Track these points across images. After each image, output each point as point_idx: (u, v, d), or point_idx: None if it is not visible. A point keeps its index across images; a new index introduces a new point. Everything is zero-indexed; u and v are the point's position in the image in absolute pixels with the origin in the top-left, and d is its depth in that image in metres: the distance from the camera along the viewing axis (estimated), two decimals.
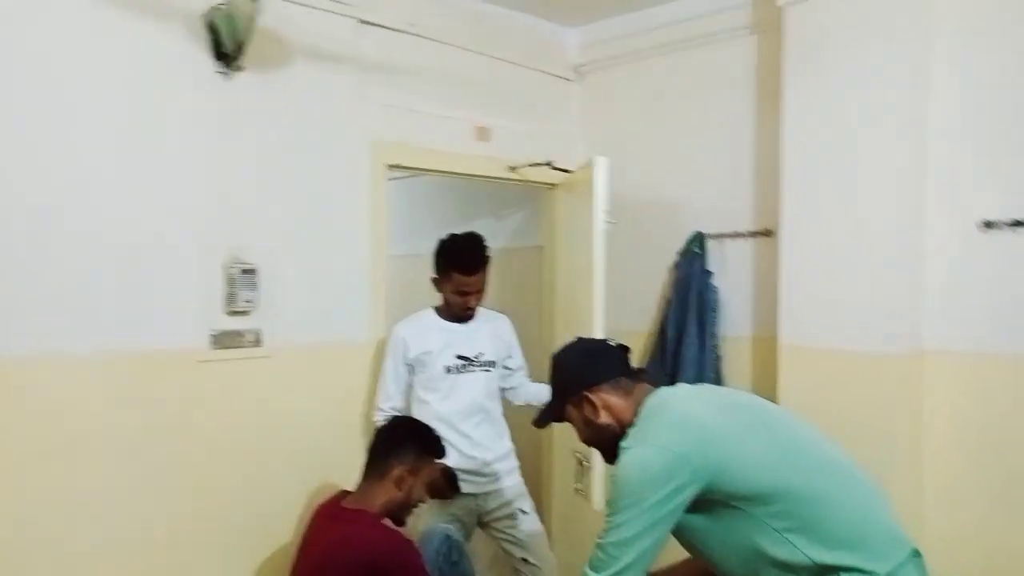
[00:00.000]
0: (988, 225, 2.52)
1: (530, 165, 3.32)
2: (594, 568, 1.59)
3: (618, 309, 3.38)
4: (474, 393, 2.75)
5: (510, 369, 2.91)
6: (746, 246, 3.06)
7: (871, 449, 2.27)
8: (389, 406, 2.74)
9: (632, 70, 3.46)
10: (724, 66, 3.15)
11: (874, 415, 2.55)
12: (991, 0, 2.55)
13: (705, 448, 1.58)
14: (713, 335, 3.02)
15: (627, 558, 1.55)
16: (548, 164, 3.29)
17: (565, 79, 3.64)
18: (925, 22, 2.61)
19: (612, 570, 1.56)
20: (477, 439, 2.73)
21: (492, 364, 2.80)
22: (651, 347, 3.24)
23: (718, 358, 3.03)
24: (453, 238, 2.73)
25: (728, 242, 3.10)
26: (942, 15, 2.60)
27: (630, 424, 1.71)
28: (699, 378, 2.93)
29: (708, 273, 3.09)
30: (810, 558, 1.54)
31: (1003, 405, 2.49)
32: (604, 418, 1.74)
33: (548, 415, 1.85)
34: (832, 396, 2.61)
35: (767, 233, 2.97)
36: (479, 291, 2.72)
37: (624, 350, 1.84)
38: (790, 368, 2.73)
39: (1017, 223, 2.46)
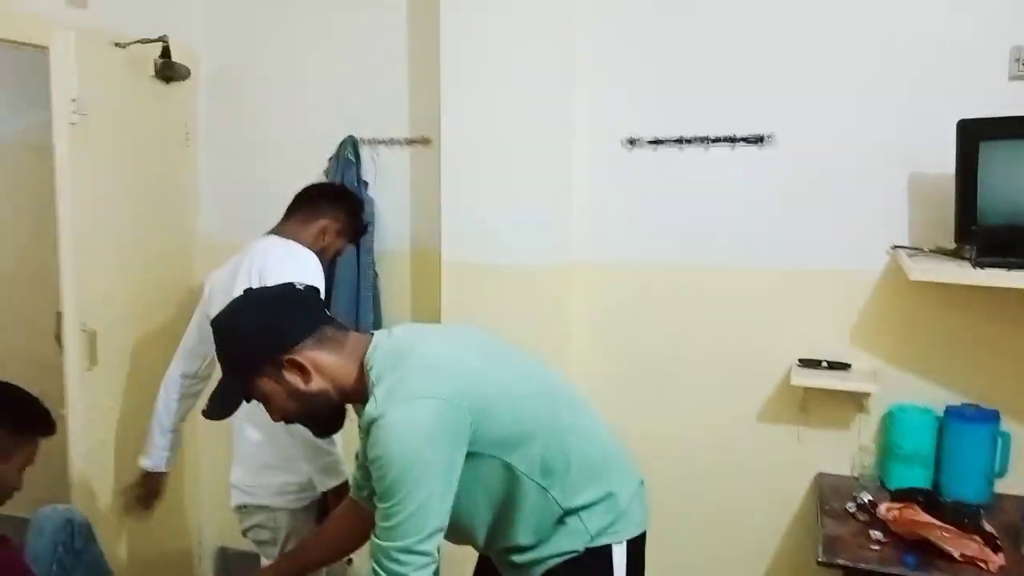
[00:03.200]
0: (631, 143, 2.63)
1: (140, 42, 2.70)
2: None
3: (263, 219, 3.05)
4: None
5: None
6: (403, 154, 2.86)
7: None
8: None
9: None
10: None
11: (529, 327, 2.59)
12: None
13: (472, 389, 1.37)
14: (369, 251, 2.81)
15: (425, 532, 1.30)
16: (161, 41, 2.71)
17: None
18: None
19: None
20: None
21: None
22: None
23: (375, 276, 2.84)
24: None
25: (384, 149, 2.87)
26: None
27: (354, 386, 1.41)
28: (355, 300, 2.74)
29: (363, 183, 2.84)
30: (559, 504, 1.47)
31: (638, 309, 2.68)
32: (317, 383, 1.40)
33: (232, 398, 1.43)
34: (492, 311, 2.59)
35: (425, 141, 2.79)
36: None
37: (312, 294, 1.48)
38: (452, 284, 2.64)
39: (656, 141, 2.60)
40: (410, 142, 2.84)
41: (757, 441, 2.56)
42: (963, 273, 2.02)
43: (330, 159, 2.87)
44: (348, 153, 2.82)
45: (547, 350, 2.58)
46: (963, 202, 2.10)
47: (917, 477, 2.28)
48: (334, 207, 2.25)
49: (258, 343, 1.39)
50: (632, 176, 2.63)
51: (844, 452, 2.45)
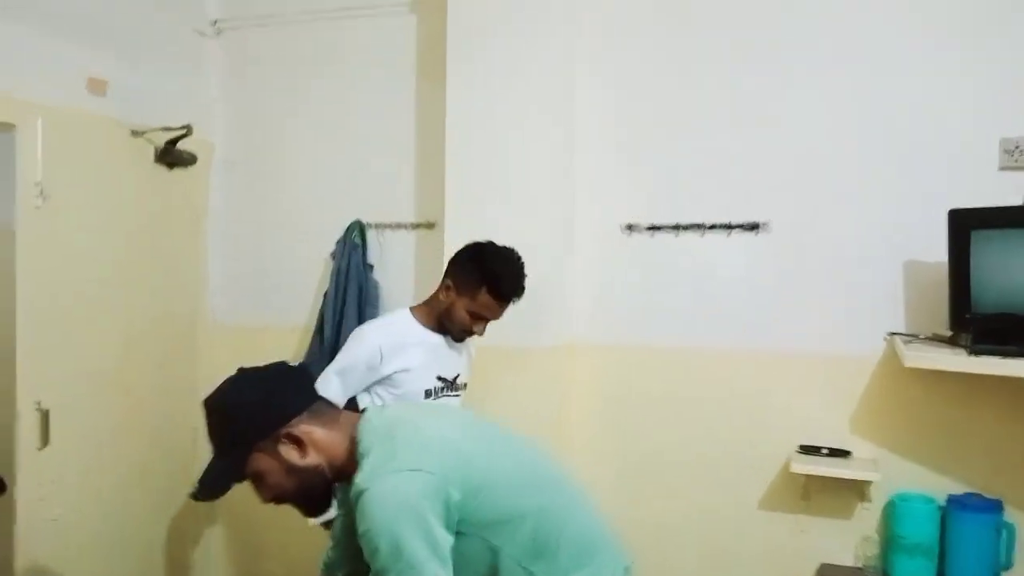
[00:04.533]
0: (629, 228, 2.69)
1: (163, 130, 2.81)
2: None
3: (270, 301, 3.11)
4: None
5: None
6: (408, 238, 2.93)
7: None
8: None
9: (281, 34, 3.10)
10: (386, 44, 2.95)
11: (530, 408, 2.58)
12: (629, 8, 2.68)
13: (461, 469, 1.36)
14: None
15: None
16: (185, 131, 2.81)
17: (201, 33, 3.14)
18: (574, 20, 2.67)
19: None
20: None
21: (462, 389, 2.32)
22: (308, 344, 2.96)
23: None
24: (500, 251, 2.16)
25: (390, 233, 2.94)
26: (589, 10, 2.68)
27: (344, 461, 1.40)
28: None
29: (368, 266, 2.90)
30: None
31: (637, 392, 2.68)
32: (312, 457, 1.39)
33: (226, 477, 1.40)
34: (493, 392, 2.58)
35: (430, 225, 2.86)
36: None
37: (305, 371, 1.52)
38: None
39: (654, 227, 2.66)
40: (415, 226, 2.90)
41: (758, 529, 2.52)
42: (958, 361, 2.03)
43: (337, 242, 2.93)
44: (355, 236, 2.88)
45: (548, 432, 2.59)
46: (956, 290, 2.12)
47: (921, 568, 2.23)
48: (455, 264, 2.19)
49: (258, 418, 1.38)
50: (630, 261, 2.68)
51: (847, 542, 2.41)
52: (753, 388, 2.54)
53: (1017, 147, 2.29)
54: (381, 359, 2.13)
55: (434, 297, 2.20)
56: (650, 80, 2.68)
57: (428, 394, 2.19)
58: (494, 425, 1.60)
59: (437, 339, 2.21)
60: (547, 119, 2.64)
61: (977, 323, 2.07)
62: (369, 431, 1.41)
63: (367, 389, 2.17)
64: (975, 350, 2.04)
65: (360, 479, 1.33)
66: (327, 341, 2.82)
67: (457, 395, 2.29)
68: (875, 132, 2.42)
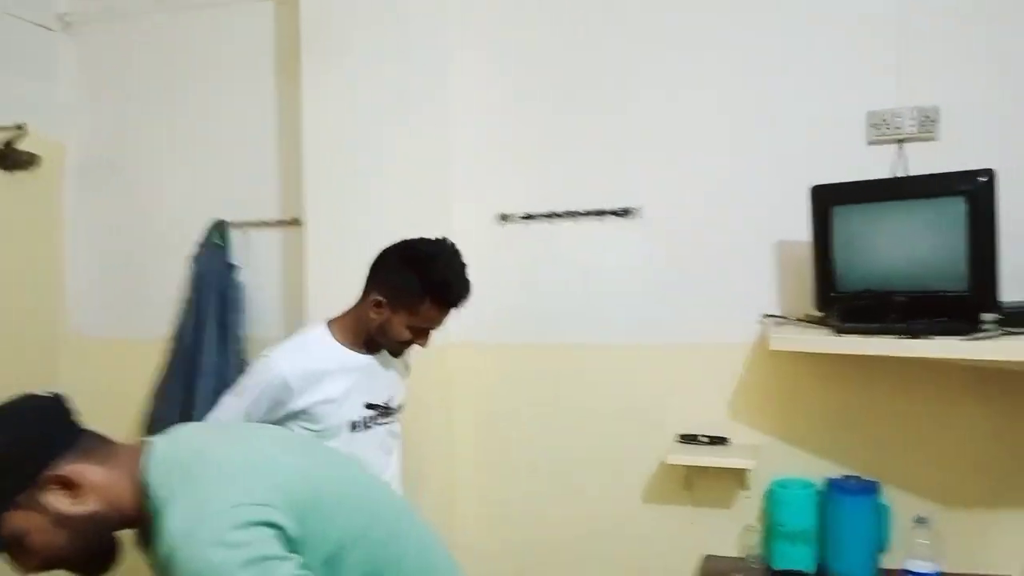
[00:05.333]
0: (504, 218, 2.58)
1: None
2: None
3: (136, 311, 2.93)
4: (380, 460, 1.90)
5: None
6: (274, 236, 2.76)
7: (413, 440, 2.19)
8: None
9: (135, 28, 2.93)
10: (242, 35, 2.80)
11: (413, 410, 2.47)
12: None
13: (288, 486, 1.16)
14: (237, 338, 2.68)
15: None
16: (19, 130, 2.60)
17: (47, 28, 2.92)
18: (442, 8, 2.57)
19: None
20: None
21: (397, 412, 2.00)
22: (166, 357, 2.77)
23: (243, 363, 2.69)
24: (434, 249, 1.83)
25: (254, 232, 2.77)
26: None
27: (130, 504, 1.15)
28: (220, 388, 2.57)
29: (231, 267, 2.73)
30: None
31: (515, 386, 2.59)
32: (88, 502, 1.13)
33: None
34: None
35: (295, 222, 2.70)
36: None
37: (60, 400, 1.22)
38: None
39: (528, 216, 2.56)
40: (280, 224, 2.74)
41: (644, 523, 2.44)
42: (821, 342, 1.98)
43: (198, 244, 2.75)
44: (215, 237, 2.71)
45: (428, 435, 2.47)
46: (821, 269, 2.07)
47: (802, 555, 2.18)
48: (382, 272, 1.86)
49: (10, 464, 1.12)
50: (506, 250, 2.58)
51: (731, 531, 2.34)
52: (634, 379, 2.45)
53: (884, 120, 2.25)
54: (292, 393, 1.79)
55: (358, 312, 1.87)
56: (520, 67, 2.59)
57: (355, 427, 1.86)
58: (302, 437, 1.46)
59: (363, 360, 1.88)
60: (413, 109, 2.50)
61: (843, 301, 2.02)
62: (160, 470, 1.16)
63: (277, 422, 1.81)
64: (841, 329, 1.99)
65: (166, 536, 1.08)
66: (186, 350, 2.64)
67: (390, 421, 1.96)
68: (743, 112, 2.37)
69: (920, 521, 2.03)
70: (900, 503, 2.19)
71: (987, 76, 2.18)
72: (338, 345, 1.86)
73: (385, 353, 1.91)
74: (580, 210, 2.49)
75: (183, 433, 1.28)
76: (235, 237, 2.76)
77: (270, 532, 1.09)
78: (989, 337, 1.83)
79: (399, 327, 1.81)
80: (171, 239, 2.84)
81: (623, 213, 2.45)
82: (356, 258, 2.44)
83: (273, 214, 2.76)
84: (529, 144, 2.57)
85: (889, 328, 1.90)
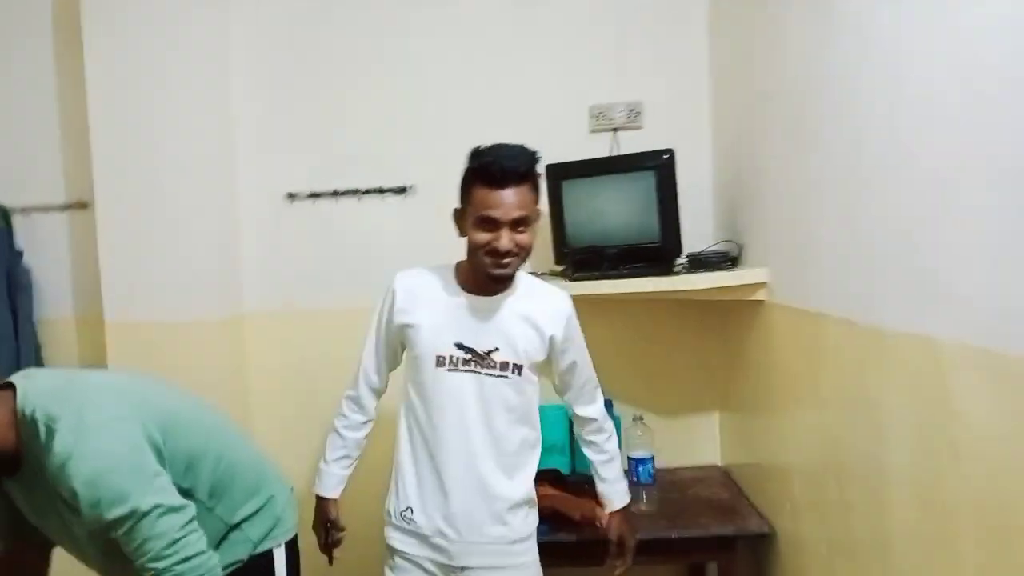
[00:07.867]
0: (291, 197, 2.86)
1: None
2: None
3: None
4: (469, 411, 1.82)
5: (567, 386, 2.00)
6: (60, 220, 2.83)
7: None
8: (365, 389, 1.97)
9: None
10: (17, 4, 2.79)
11: (205, 380, 2.65)
12: None
13: (149, 407, 1.42)
14: (30, 321, 2.73)
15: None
16: None
17: None
18: None
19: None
20: (460, 500, 1.84)
21: (512, 370, 1.83)
22: None
23: (39, 345, 2.76)
24: (492, 144, 1.78)
25: (39, 216, 2.82)
26: None
27: (12, 441, 1.34)
28: (17, 370, 2.62)
29: (18, 253, 2.77)
30: (224, 521, 1.58)
31: (309, 354, 2.87)
32: None
33: None
34: (166, 369, 2.61)
35: (82, 206, 2.79)
36: (519, 230, 1.74)
37: None
38: (118, 345, 2.62)
39: (315, 195, 2.85)
40: (66, 207, 2.81)
41: None
42: (563, 286, 2.48)
43: None
44: None
45: (226, 402, 2.66)
46: (556, 230, 2.58)
47: (558, 463, 2.69)
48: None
49: None
50: (294, 227, 2.85)
51: None
52: None
53: (601, 112, 2.80)
54: (395, 307, 1.87)
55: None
56: (301, 48, 2.82)
57: (440, 361, 1.82)
58: (147, 375, 1.71)
59: (462, 299, 1.85)
60: (199, 88, 2.66)
61: (572, 255, 2.54)
62: (35, 401, 1.35)
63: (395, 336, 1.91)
64: (573, 277, 2.51)
65: (61, 447, 1.29)
66: None
67: (486, 373, 1.83)
68: (491, 107, 2.79)
69: (637, 419, 2.63)
70: (625, 413, 2.76)
71: (676, 78, 2.79)
72: (451, 277, 1.89)
73: (498, 301, 1.86)
74: (362, 188, 2.82)
75: (37, 371, 1.49)
76: (19, 222, 2.79)
77: (145, 444, 1.39)
78: (678, 274, 2.43)
79: (472, 230, 1.77)
80: None
81: (400, 191, 2.82)
82: (146, 240, 2.61)
83: (58, 198, 2.81)
84: (313, 124, 2.83)
85: (607, 274, 2.44)
